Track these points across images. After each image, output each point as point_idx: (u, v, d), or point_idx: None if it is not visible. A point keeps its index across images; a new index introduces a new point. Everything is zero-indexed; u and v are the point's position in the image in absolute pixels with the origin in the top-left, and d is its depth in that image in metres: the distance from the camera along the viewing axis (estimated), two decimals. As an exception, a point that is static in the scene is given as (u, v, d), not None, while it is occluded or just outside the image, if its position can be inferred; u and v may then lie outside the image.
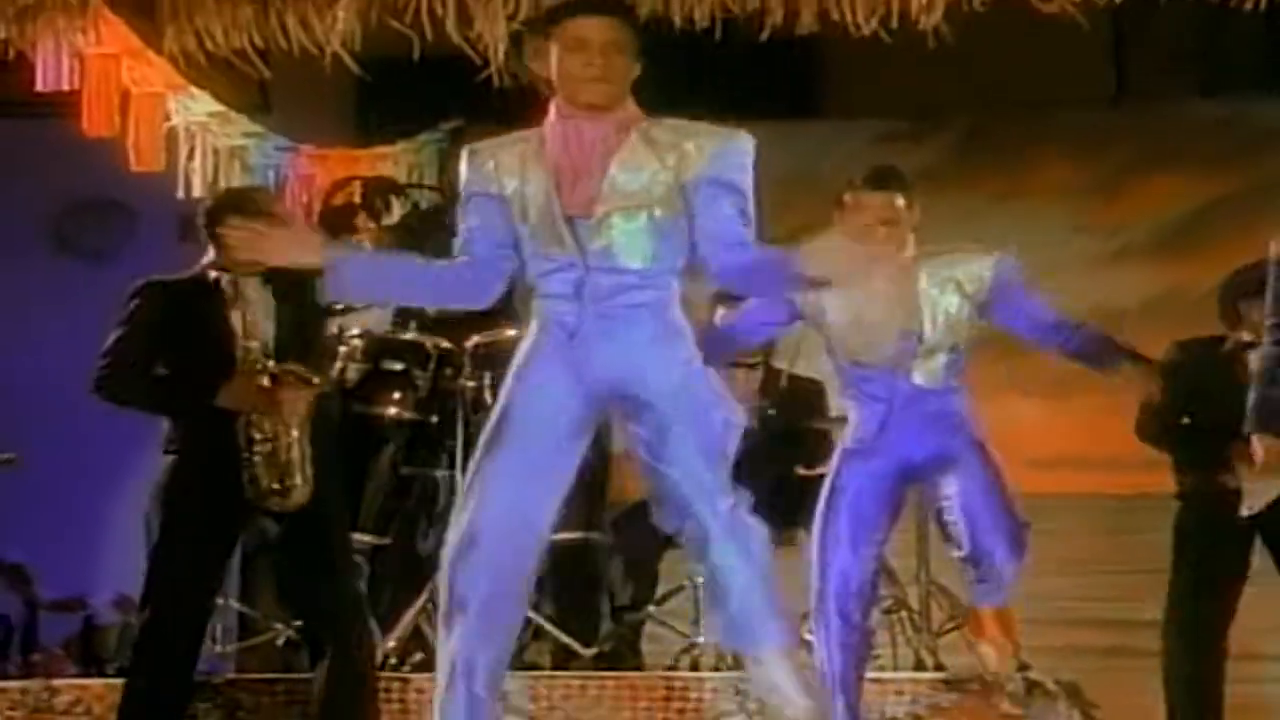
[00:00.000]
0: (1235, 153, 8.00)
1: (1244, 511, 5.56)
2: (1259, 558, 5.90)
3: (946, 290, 5.01)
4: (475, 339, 6.21)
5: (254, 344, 5.25)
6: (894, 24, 5.94)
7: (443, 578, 4.15)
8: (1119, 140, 7.75)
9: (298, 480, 5.23)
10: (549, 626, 6.09)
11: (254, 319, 5.27)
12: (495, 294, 4.29)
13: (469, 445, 6.14)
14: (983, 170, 7.84)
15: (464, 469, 6.07)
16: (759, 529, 4.10)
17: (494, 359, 6.17)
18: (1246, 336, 5.97)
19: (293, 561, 5.40)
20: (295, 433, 5.22)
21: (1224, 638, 5.91)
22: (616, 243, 4.09)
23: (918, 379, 5.01)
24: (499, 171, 4.17)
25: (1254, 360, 5.70)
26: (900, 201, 4.99)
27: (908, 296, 4.99)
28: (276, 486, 5.23)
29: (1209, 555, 5.88)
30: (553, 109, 4.20)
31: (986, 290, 4.99)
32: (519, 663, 6.13)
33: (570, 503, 6.15)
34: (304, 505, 5.24)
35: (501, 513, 4.11)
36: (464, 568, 4.10)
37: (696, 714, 5.62)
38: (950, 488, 4.97)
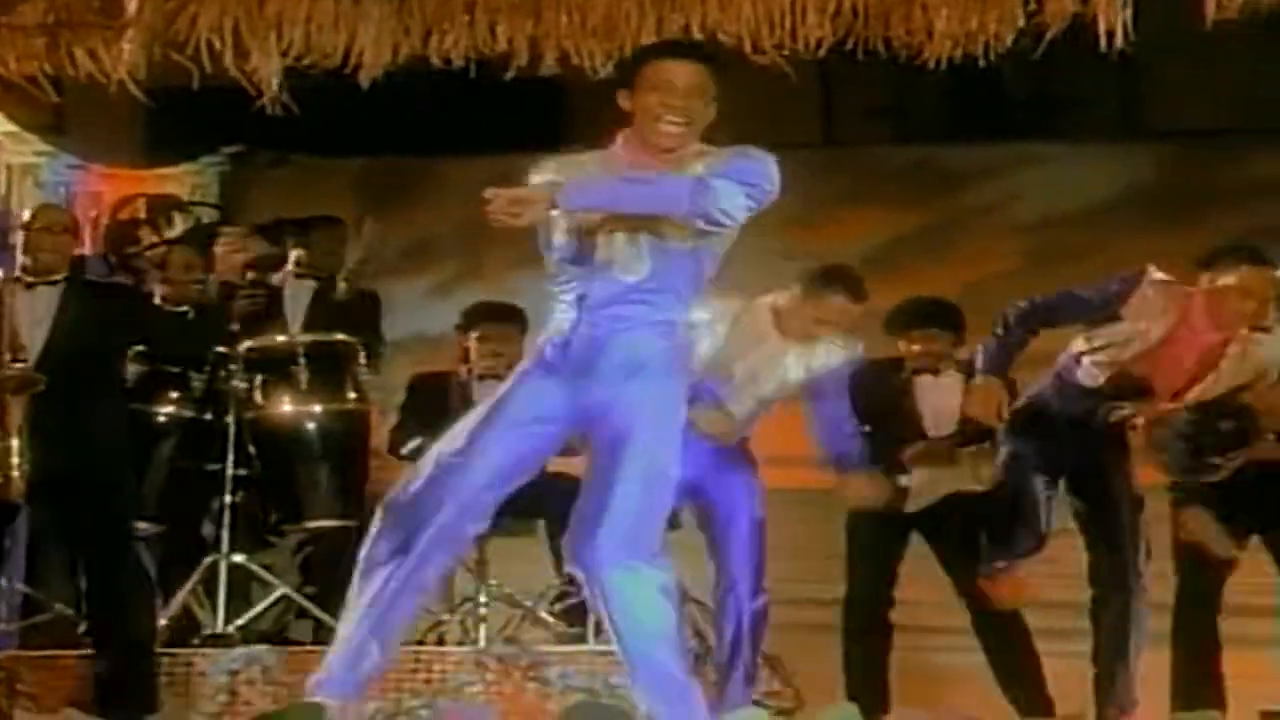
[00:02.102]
0: (926, 192, 8.23)
1: (909, 508, 5.91)
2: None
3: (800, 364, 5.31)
4: (248, 344, 6.19)
5: (8, 352, 5.27)
6: (626, 68, 5.96)
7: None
8: (825, 180, 7.89)
9: (14, 474, 5.22)
10: (309, 605, 6.08)
11: (15, 325, 5.27)
12: None
13: (240, 440, 6.13)
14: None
15: (235, 463, 6.08)
16: None
17: (264, 363, 6.19)
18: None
19: (72, 546, 5.41)
20: (14, 430, 5.22)
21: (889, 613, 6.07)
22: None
23: None
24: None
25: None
26: (841, 302, 5.29)
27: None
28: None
29: (876, 543, 6.02)
30: (619, 139, 4.01)
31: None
32: (281, 639, 6.13)
33: (330, 491, 6.21)
34: (20, 497, 5.27)
35: None
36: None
37: (441, 684, 5.60)
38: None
